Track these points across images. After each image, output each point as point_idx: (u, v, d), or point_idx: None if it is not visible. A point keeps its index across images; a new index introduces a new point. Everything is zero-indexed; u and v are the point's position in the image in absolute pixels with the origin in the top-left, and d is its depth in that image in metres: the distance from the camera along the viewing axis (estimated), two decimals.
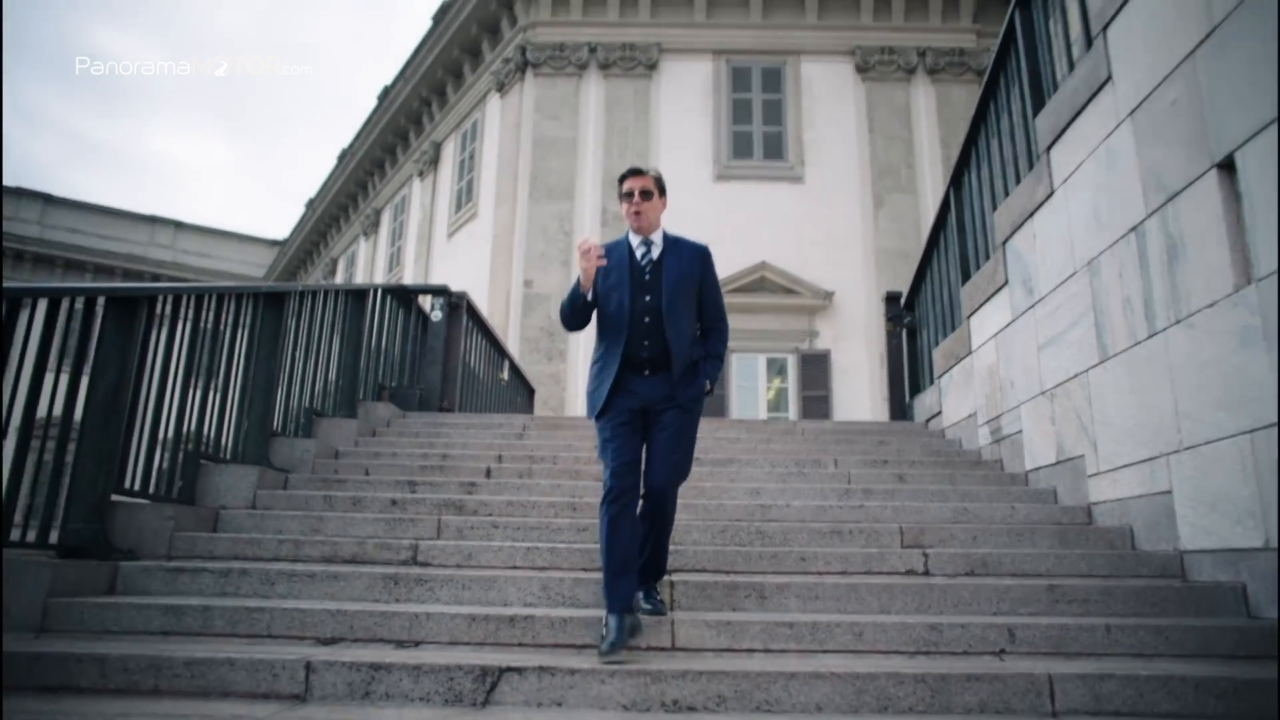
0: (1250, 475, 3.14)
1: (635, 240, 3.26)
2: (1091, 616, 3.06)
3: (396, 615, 2.97)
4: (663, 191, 3.31)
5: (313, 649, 2.73)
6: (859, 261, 13.82)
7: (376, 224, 21.83)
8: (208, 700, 2.46)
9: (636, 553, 3.01)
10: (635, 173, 3.28)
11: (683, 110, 14.66)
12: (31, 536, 3.32)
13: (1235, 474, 3.23)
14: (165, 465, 4.13)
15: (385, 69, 72.90)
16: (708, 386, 3.21)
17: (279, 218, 79.24)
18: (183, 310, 4.20)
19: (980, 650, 2.85)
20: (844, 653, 2.85)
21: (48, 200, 26.80)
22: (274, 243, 29.79)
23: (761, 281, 13.46)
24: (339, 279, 23.85)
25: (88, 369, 3.59)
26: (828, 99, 14.70)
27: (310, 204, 25.51)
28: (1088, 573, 3.52)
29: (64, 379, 3.49)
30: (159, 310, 4.03)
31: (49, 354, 3.38)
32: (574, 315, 3.23)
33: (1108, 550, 3.75)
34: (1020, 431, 5.13)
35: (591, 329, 3.34)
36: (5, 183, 26.18)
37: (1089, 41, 4.44)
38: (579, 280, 3.16)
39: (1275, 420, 2.99)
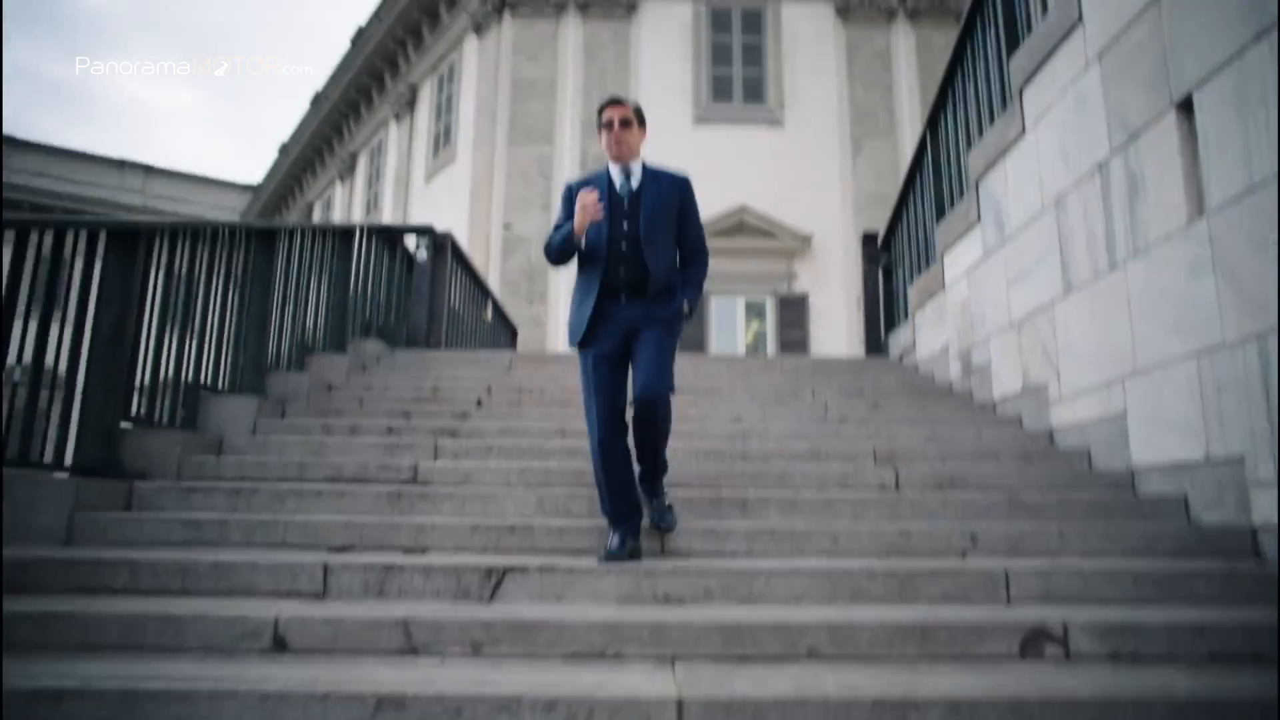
0: (1196, 394, 3.39)
1: (615, 169, 3.27)
2: (1047, 523, 3.32)
3: (402, 526, 3.18)
4: (642, 122, 3.31)
5: (327, 555, 2.93)
6: (838, 205, 13.97)
7: (353, 168, 21.60)
8: (233, 598, 2.66)
9: (633, 480, 3.11)
10: (614, 102, 3.28)
11: (662, 53, 14.58)
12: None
13: (1183, 394, 3.48)
14: (168, 395, 4.27)
15: (359, 8, 71.08)
16: (686, 309, 3.25)
17: (252, 163, 77.66)
18: (180, 246, 4.30)
19: (945, 552, 3.11)
20: (821, 555, 3.09)
21: (11, 143, 26.14)
22: (247, 188, 29.32)
23: (740, 225, 13.59)
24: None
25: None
26: (808, 43, 14.68)
27: (284, 149, 25.12)
28: (1046, 487, 3.78)
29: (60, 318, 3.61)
30: (157, 245, 4.12)
31: (57, 286, 3.49)
32: (561, 254, 3.23)
33: (1066, 468, 4.02)
34: (989, 363, 5.37)
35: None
36: None
37: None
38: (568, 222, 3.17)
39: (1220, 340, 3.23)
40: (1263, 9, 3.04)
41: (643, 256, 3.15)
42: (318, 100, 22.03)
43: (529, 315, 13.33)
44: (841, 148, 14.27)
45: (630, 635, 2.37)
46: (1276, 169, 2.93)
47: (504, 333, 10.74)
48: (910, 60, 14.71)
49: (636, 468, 3.19)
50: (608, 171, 3.30)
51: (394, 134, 19.01)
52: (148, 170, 28.30)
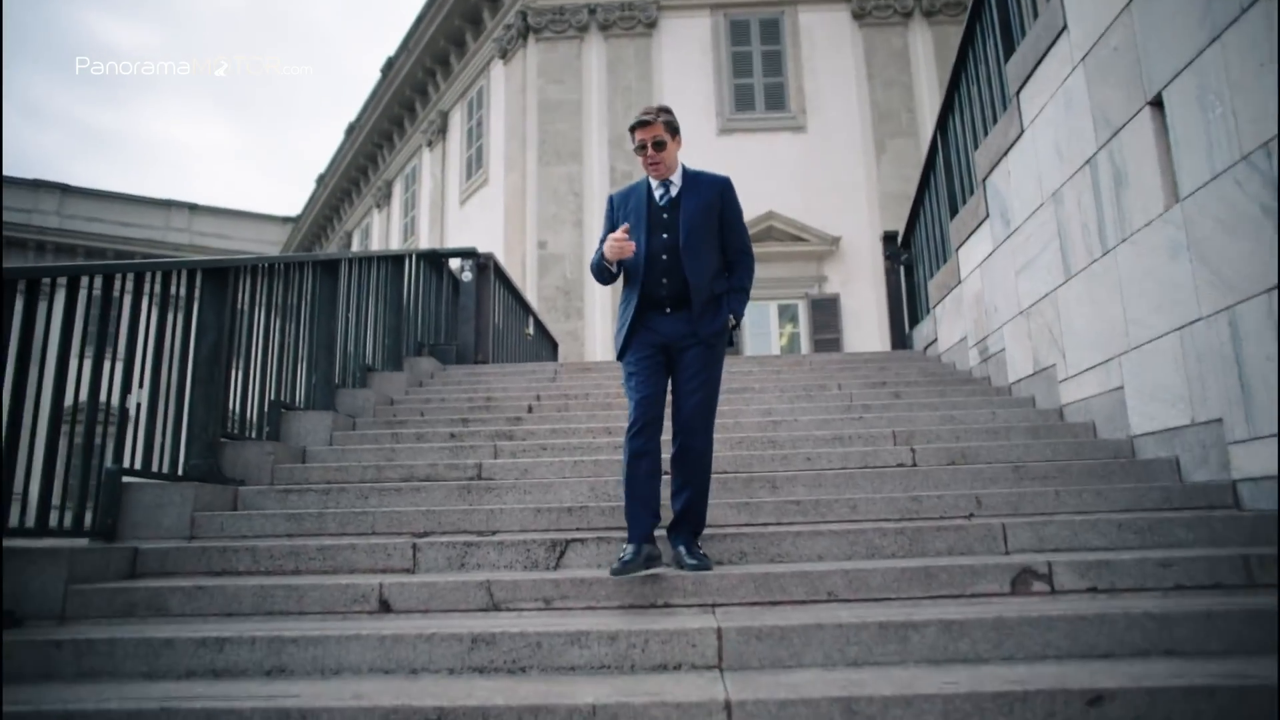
0: (1180, 366, 3.74)
1: (654, 181, 3.25)
2: (1047, 487, 3.68)
3: (474, 512, 3.64)
4: (675, 133, 3.21)
5: (413, 538, 3.40)
6: (864, 206, 14.28)
7: (388, 196, 22.37)
8: (338, 575, 3.14)
9: (655, 491, 3.03)
10: (643, 124, 3.16)
11: (684, 66, 15.03)
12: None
13: (1169, 366, 3.83)
14: (254, 412, 4.80)
15: (387, 41, 72.83)
16: (732, 321, 3.20)
17: (288, 196, 79.74)
18: (260, 279, 4.82)
19: (953, 515, 3.49)
20: (841, 522, 3.49)
21: (65, 190, 27.38)
22: (287, 220, 30.37)
23: (769, 230, 13.95)
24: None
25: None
26: (826, 47, 15.03)
27: (321, 180, 26.03)
28: (1051, 458, 4.13)
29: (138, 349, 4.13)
30: (242, 279, 4.65)
31: (165, 321, 4.01)
32: (602, 275, 3.24)
33: (1071, 440, 4.37)
34: (1003, 349, 5.72)
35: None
36: (21, 175, 26.70)
37: None
38: (604, 247, 3.16)
39: (1197, 315, 3.58)
40: (1216, 16, 3.40)
41: (682, 265, 3.11)
42: (352, 131, 22.86)
43: (566, 330, 13.81)
44: (865, 149, 14.59)
45: (676, 588, 2.80)
46: (1234, 159, 3.29)
47: (545, 347, 11.24)
48: (929, 58, 14.99)
49: (670, 504, 3.12)
50: (648, 182, 3.29)
51: (427, 160, 19.71)
52: (192, 208, 29.46)
